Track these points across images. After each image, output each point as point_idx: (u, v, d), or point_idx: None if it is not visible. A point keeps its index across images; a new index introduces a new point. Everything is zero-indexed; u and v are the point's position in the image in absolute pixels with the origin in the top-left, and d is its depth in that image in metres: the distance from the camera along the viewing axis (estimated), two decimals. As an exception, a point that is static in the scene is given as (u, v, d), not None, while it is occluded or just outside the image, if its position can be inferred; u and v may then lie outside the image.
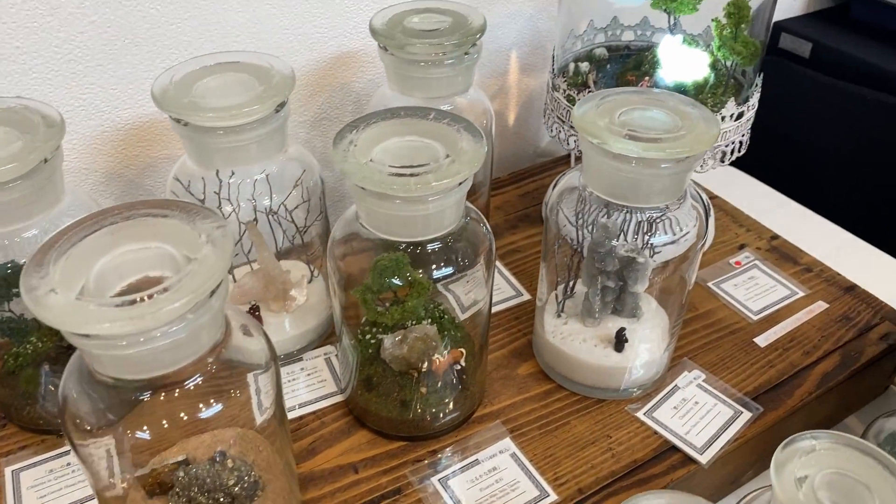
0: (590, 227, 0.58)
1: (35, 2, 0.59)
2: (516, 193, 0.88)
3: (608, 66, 0.78)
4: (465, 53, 0.65)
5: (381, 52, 0.64)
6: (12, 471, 0.56)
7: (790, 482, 0.41)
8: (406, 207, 0.48)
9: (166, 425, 0.43)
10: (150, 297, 0.37)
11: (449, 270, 0.53)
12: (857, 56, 1.06)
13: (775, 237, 0.82)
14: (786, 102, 1.13)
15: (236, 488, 0.49)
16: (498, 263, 0.77)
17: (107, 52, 0.64)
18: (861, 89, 1.03)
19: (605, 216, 0.57)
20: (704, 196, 0.81)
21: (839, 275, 0.77)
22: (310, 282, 0.69)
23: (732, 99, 0.67)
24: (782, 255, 0.79)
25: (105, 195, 0.71)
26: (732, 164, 1.21)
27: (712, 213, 0.81)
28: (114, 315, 0.36)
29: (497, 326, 0.69)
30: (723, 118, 0.67)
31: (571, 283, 0.64)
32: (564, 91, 0.71)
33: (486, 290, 0.57)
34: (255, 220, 0.62)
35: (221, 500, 0.49)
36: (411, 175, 0.47)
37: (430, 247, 0.51)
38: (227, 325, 0.44)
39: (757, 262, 0.78)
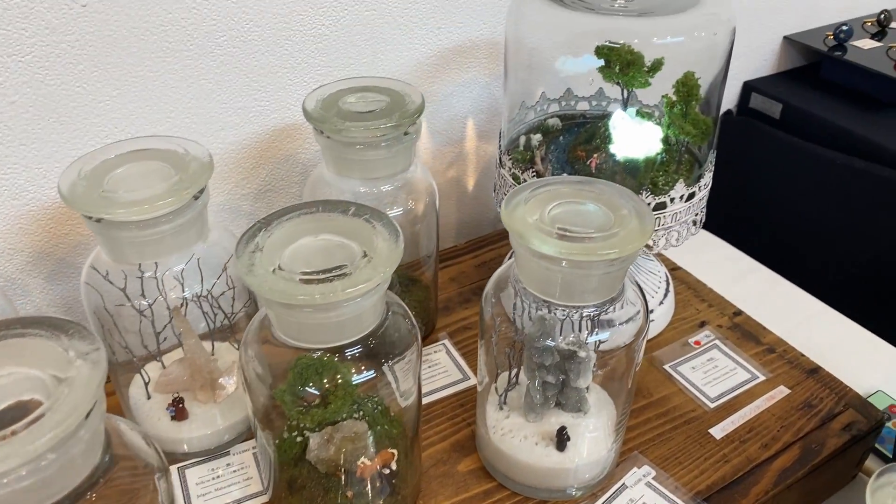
0: (530, 318, 0.55)
1: (-52, 84, 0.57)
2: (472, 263, 0.85)
3: (561, 137, 0.75)
4: (405, 133, 0.62)
5: (317, 135, 0.62)
6: None
7: None
8: (318, 315, 0.45)
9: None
10: (12, 433, 0.34)
11: (370, 374, 0.50)
12: (827, 119, 1.04)
13: (738, 313, 0.79)
14: (756, 163, 1.11)
15: None
16: (446, 342, 0.74)
17: (30, 131, 0.61)
18: (831, 153, 1.01)
19: (544, 309, 0.54)
20: (663, 270, 0.79)
21: (803, 356, 0.73)
22: (242, 368, 0.66)
23: (682, 180, 0.64)
24: (744, 333, 0.76)
25: (33, 275, 0.68)
26: (708, 225, 1.19)
27: (672, 288, 0.78)
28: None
29: (441, 415, 0.66)
30: (672, 199, 0.64)
31: (514, 373, 0.61)
32: (510, 169, 0.69)
33: (413, 387, 0.54)
34: (184, 304, 0.59)
35: None
36: (321, 282, 0.44)
37: (348, 352, 0.48)
38: (107, 444, 0.41)
39: (717, 341, 0.74)
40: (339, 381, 0.48)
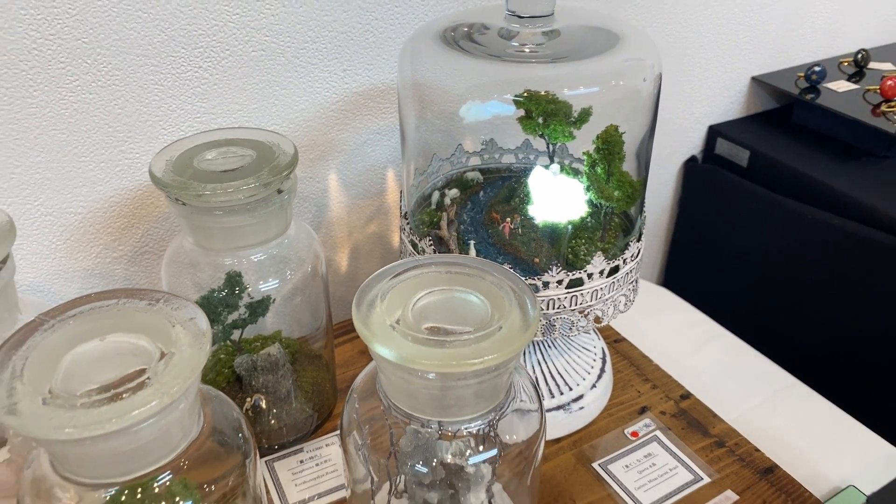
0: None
1: None
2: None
3: (481, 193, 0.66)
4: (278, 191, 0.53)
5: (170, 201, 0.52)
6: None
7: None
8: (108, 445, 0.35)
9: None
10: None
11: (184, 506, 0.39)
12: (798, 168, 0.94)
13: (686, 396, 0.69)
14: (722, 216, 1.02)
15: None
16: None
17: None
18: (804, 207, 0.92)
19: (416, 423, 0.44)
20: (599, 345, 0.69)
21: (757, 451, 0.63)
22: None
23: (600, 252, 0.54)
24: (691, 422, 0.66)
25: None
26: (664, 284, 1.10)
27: (609, 367, 0.68)
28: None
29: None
30: (589, 275, 0.54)
31: (397, 483, 0.51)
32: (409, 234, 0.59)
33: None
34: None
35: None
36: (105, 402, 0.34)
37: (158, 480, 0.38)
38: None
39: (658, 432, 0.64)
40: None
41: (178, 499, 0.40)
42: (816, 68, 0.99)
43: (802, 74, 1.01)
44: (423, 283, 0.42)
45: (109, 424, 0.34)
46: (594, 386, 0.65)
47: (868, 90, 0.98)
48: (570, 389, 0.64)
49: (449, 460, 0.46)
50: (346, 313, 0.81)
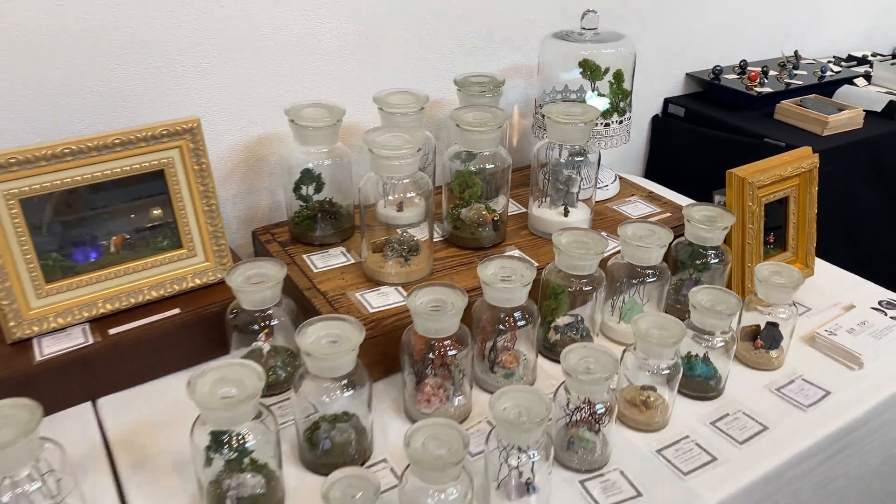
0: (553, 159, 1.37)
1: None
2: (518, 175, 1.66)
3: (563, 107, 1.58)
4: (496, 92, 1.45)
5: (458, 91, 1.45)
6: (308, 257, 1.31)
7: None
8: (476, 135, 1.26)
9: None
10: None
11: (492, 166, 1.30)
12: (713, 116, 1.88)
13: (651, 193, 1.60)
14: (672, 144, 1.95)
15: (412, 243, 1.24)
16: (512, 200, 1.54)
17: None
18: (714, 132, 1.85)
19: (557, 149, 1.35)
20: (614, 173, 1.62)
21: (680, 206, 1.54)
22: (422, 197, 1.46)
23: (616, 114, 1.47)
24: (653, 198, 1.57)
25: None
26: (647, 176, 2.02)
27: (618, 180, 1.60)
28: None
29: (512, 222, 1.46)
30: (611, 121, 1.47)
31: (546, 196, 1.41)
32: (540, 119, 1.52)
33: (505, 187, 1.34)
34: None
35: (405, 247, 1.24)
36: (479, 124, 1.26)
37: (483, 152, 1.29)
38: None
39: (639, 200, 1.55)
40: (476, 169, 1.29)
41: (489, 163, 1.31)
42: (717, 68, 1.94)
43: (711, 71, 1.95)
44: (561, 104, 1.34)
45: (483, 126, 1.25)
46: (613, 182, 1.56)
47: (743, 77, 1.93)
48: (603, 181, 1.55)
49: (566, 174, 1.37)
50: (493, 173, 1.72)
